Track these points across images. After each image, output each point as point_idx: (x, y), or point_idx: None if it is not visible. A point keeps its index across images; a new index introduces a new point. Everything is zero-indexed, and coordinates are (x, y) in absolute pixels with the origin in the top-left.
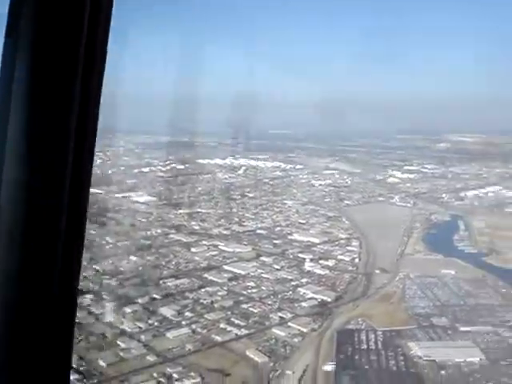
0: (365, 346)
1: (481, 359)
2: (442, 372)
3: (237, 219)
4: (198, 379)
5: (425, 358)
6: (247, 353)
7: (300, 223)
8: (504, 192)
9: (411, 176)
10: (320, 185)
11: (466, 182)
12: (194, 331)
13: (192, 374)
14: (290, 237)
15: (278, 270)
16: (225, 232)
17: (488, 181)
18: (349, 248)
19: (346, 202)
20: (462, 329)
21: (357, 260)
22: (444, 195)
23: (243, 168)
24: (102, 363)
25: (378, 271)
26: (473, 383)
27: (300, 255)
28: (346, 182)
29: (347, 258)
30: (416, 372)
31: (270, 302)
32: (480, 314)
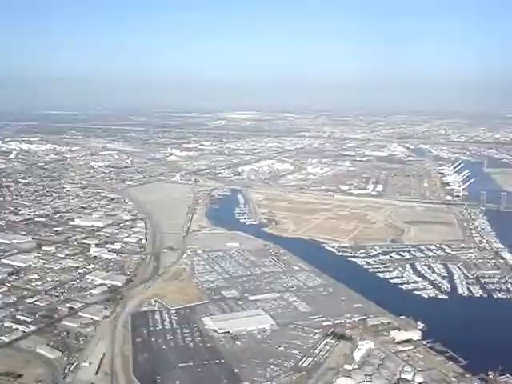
0: (160, 327)
1: (271, 325)
2: (237, 342)
3: (12, 208)
4: None
5: (219, 331)
6: (38, 350)
7: (82, 208)
8: (277, 165)
9: (190, 153)
10: (99, 166)
11: (242, 158)
12: None
13: None
14: (72, 223)
15: (62, 258)
16: None
17: (262, 155)
18: (134, 229)
19: (128, 182)
20: (252, 298)
21: (143, 241)
22: (223, 171)
23: (14, 152)
24: None
25: (165, 250)
26: (267, 349)
27: (85, 241)
28: (126, 162)
29: (134, 240)
30: (213, 345)
31: (56, 294)
32: (266, 281)
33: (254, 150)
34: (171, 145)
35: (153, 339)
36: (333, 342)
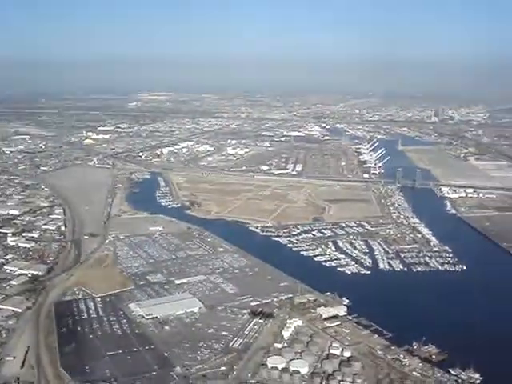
0: (86, 315)
1: (199, 308)
2: (166, 327)
3: None
4: None
5: (147, 317)
6: None
7: None
8: (196, 147)
9: (107, 136)
10: (12, 152)
11: (160, 140)
12: None
13: None
14: None
15: None
16: None
17: (180, 137)
18: (53, 216)
19: (43, 168)
20: (178, 282)
21: (63, 228)
22: (141, 153)
23: None
24: None
25: (86, 236)
26: (196, 332)
27: (1, 230)
28: (40, 147)
29: (53, 227)
30: (141, 332)
31: None
32: (192, 264)
33: (172, 131)
34: (86, 128)
35: (79, 328)
36: (261, 321)
